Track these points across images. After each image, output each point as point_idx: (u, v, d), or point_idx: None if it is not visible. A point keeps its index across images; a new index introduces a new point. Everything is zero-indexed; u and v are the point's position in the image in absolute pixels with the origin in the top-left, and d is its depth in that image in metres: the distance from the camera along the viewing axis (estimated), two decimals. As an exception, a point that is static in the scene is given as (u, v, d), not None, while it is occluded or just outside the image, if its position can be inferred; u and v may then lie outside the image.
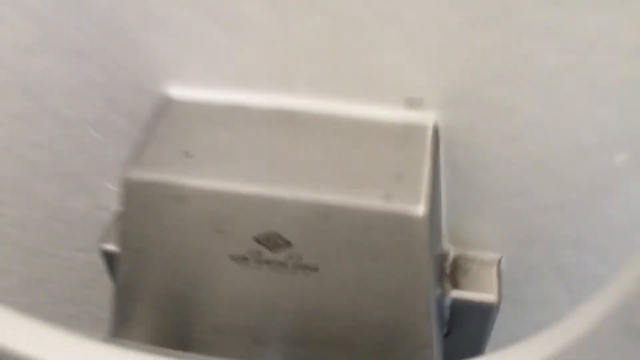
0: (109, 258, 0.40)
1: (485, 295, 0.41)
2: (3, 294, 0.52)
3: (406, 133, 0.36)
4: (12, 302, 0.27)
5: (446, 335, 0.43)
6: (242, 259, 0.35)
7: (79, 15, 0.36)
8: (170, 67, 0.37)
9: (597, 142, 0.36)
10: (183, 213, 0.34)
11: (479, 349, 0.45)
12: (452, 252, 0.44)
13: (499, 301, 0.41)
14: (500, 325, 0.44)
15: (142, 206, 0.35)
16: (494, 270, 0.42)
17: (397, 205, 0.33)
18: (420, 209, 0.33)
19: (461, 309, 0.41)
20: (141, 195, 0.34)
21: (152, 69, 0.38)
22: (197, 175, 0.34)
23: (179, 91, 0.38)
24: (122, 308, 0.38)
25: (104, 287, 0.52)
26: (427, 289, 0.34)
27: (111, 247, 0.39)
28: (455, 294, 0.41)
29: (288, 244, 0.34)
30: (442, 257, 0.43)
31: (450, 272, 0.42)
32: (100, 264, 0.42)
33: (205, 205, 0.34)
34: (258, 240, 0.35)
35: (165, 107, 0.37)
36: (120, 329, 0.39)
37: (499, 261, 0.43)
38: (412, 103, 0.36)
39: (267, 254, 0.35)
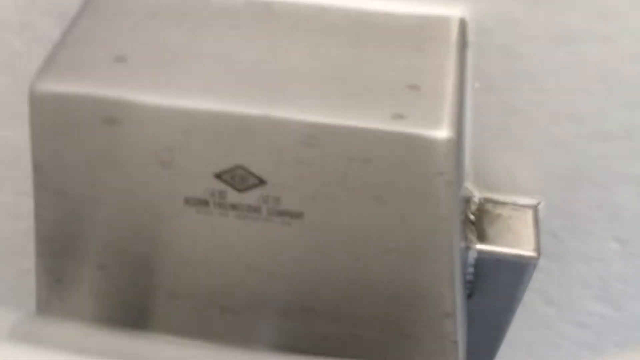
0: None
1: (519, 249, 0.34)
2: None
3: (422, 30, 0.28)
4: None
5: (468, 298, 0.35)
6: (200, 203, 0.26)
7: None
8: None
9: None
10: (115, 140, 0.26)
11: (507, 315, 0.38)
12: (476, 195, 0.35)
13: (537, 257, 0.33)
14: (532, 286, 0.36)
15: (57, 131, 0.26)
16: (529, 218, 0.35)
17: (411, 127, 0.24)
18: (442, 132, 0.24)
19: (488, 266, 0.34)
20: (55, 114, 0.25)
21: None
22: (134, 86, 0.25)
23: (114, -24, 0.28)
24: (48, 268, 0.29)
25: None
26: (452, 241, 0.26)
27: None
28: (482, 247, 0.34)
29: (261, 181, 0.26)
30: (465, 202, 0.34)
31: (475, 220, 0.34)
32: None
33: (146, 128, 0.26)
34: (220, 177, 0.26)
35: (93, -3, 0.27)
36: (51, 296, 0.30)
37: (536, 206, 0.35)
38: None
39: (233, 196, 0.26)
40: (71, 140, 0.26)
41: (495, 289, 0.35)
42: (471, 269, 0.35)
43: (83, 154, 0.26)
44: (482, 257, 0.34)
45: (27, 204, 0.44)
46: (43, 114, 0.26)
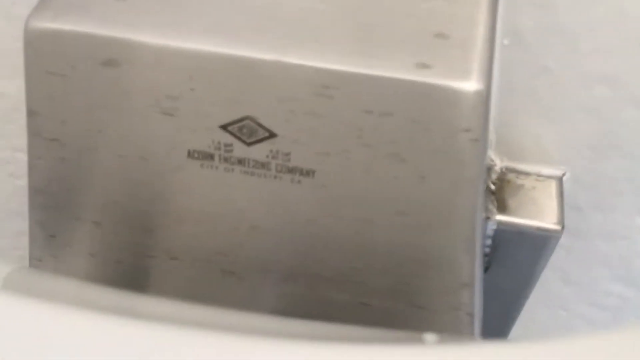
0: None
1: (541, 222, 0.32)
2: None
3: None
4: None
5: (484, 272, 0.33)
6: (205, 156, 0.25)
7: None
8: None
9: None
10: (115, 84, 0.24)
11: (524, 292, 0.36)
12: (498, 163, 0.33)
13: (560, 231, 0.31)
14: (549, 263, 0.34)
15: (53, 72, 0.24)
16: (553, 189, 0.33)
17: (436, 77, 0.22)
18: (470, 84, 0.22)
19: (508, 239, 0.33)
20: (51, 54, 0.23)
21: None
22: (136, 25, 0.23)
23: None
24: (41, 223, 0.28)
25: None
26: (474, 205, 0.24)
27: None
28: (502, 219, 0.32)
29: (271, 134, 0.24)
30: (487, 170, 0.32)
31: (496, 190, 0.32)
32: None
33: (148, 72, 0.24)
34: (227, 129, 0.24)
35: None
36: (44, 252, 0.29)
37: (562, 177, 0.33)
38: None
39: (241, 149, 0.24)
40: (67, 84, 0.24)
41: (513, 263, 0.34)
42: (489, 242, 0.33)
43: (80, 98, 0.24)
44: (502, 229, 0.32)
45: (26, 161, 0.43)
46: (38, 53, 0.24)
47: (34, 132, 0.26)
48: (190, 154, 0.25)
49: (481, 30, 0.23)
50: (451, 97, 0.22)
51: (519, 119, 0.31)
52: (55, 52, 0.23)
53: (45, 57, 0.24)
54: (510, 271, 0.34)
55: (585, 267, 0.38)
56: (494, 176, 0.33)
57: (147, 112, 0.24)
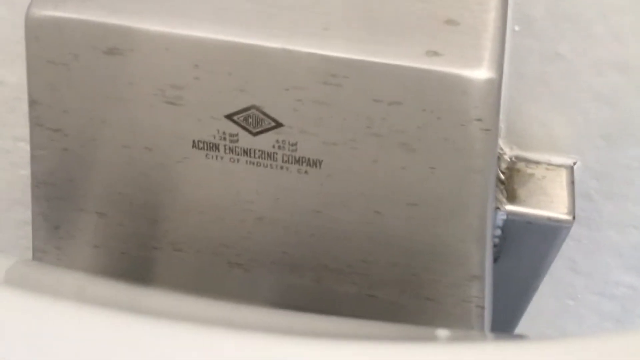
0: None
1: (552, 212, 0.31)
2: None
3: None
4: None
5: (493, 262, 0.33)
6: (210, 147, 0.24)
7: None
8: None
9: None
10: (118, 73, 0.23)
11: (533, 283, 0.35)
12: (507, 152, 0.32)
13: (572, 221, 0.31)
14: (560, 252, 0.34)
15: (55, 61, 0.23)
16: (564, 179, 0.32)
17: (447, 65, 0.22)
18: (481, 72, 0.21)
19: (518, 229, 0.32)
20: (53, 43, 0.23)
21: None
22: (140, 12, 0.23)
23: None
24: (45, 214, 0.27)
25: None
26: (485, 197, 0.23)
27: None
28: (511, 209, 0.31)
29: (277, 124, 0.23)
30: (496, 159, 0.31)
31: (505, 179, 0.32)
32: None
33: (152, 61, 0.23)
34: (232, 119, 0.24)
35: None
36: (48, 244, 0.28)
37: (572, 166, 0.33)
38: None
39: (246, 139, 0.24)
40: (70, 73, 0.24)
41: (523, 254, 0.33)
42: (498, 232, 0.32)
43: (82, 88, 0.24)
44: (512, 219, 0.31)
45: (28, 150, 0.42)
46: (40, 42, 0.23)
47: (36, 122, 0.25)
48: (195, 144, 0.25)
49: (492, 17, 0.23)
50: (462, 85, 0.21)
51: (529, 106, 0.30)
52: (56, 40, 0.23)
53: (47, 46, 0.23)
54: (519, 262, 0.34)
55: (596, 257, 0.38)
56: (503, 165, 0.32)
57: (151, 102, 0.24)
